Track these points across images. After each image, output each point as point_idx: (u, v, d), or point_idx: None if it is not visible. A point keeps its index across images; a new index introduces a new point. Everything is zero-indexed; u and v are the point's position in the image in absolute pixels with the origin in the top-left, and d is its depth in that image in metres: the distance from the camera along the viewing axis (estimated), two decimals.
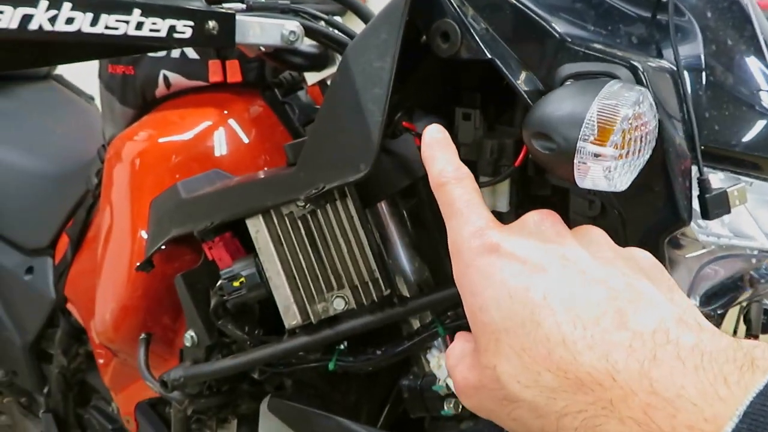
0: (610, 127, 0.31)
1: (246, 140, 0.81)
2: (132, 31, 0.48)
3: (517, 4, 0.47)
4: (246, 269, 0.61)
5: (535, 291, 0.30)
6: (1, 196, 1.26)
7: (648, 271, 0.32)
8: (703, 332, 0.27)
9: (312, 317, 0.61)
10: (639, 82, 0.44)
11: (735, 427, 0.23)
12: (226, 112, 0.82)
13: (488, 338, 0.31)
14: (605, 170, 0.32)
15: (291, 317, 0.61)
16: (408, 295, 0.64)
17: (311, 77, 0.75)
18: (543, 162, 0.35)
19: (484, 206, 0.36)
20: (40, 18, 0.42)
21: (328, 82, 0.76)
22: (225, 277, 0.61)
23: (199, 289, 0.67)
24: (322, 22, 0.68)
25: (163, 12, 0.50)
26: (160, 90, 0.88)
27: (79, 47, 0.46)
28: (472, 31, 0.48)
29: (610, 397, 0.26)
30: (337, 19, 0.72)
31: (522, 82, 0.48)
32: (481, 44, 0.48)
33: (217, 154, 0.80)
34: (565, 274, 0.30)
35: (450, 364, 0.35)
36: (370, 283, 0.61)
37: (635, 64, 0.45)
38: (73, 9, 0.44)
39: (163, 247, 0.69)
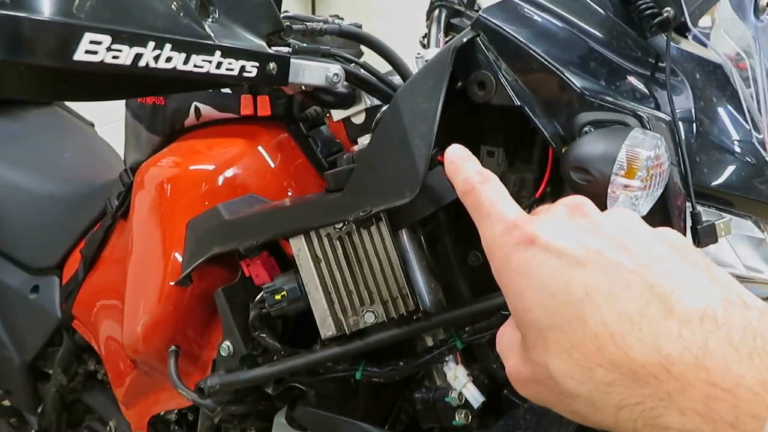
0: (637, 164, 0.40)
1: (273, 168, 0.88)
2: (213, 70, 0.56)
3: (544, 61, 0.56)
4: (287, 284, 0.68)
5: (576, 287, 0.29)
6: (8, 216, 1.29)
7: (684, 251, 0.31)
8: (751, 311, 0.27)
9: (345, 329, 0.67)
10: (645, 128, 0.53)
11: None
12: (254, 142, 0.89)
13: (535, 336, 0.31)
14: (632, 199, 0.40)
15: (327, 329, 0.67)
16: (429, 312, 0.71)
17: (337, 114, 0.83)
18: (579, 190, 0.43)
19: (512, 202, 0.36)
20: (147, 56, 0.49)
21: (352, 119, 0.84)
22: (267, 290, 0.67)
23: (237, 302, 0.73)
24: (357, 66, 0.77)
25: (237, 54, 0.58)
26: (190, 120, 0.95)
27: (171, 82, 0.53)
28: (504, 82, 0.57)
29: (668, 389, 0.26)
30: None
31: (545, 126, 0.57)
32: (512, 94, 0.57)
33: (246, 180, 0.86)
34: (604, 266, 0.30)
35: (501, 351, 0.36)
36: (399, 299, 0.68)
37: (641, 114, 0.54)
38: (172, 50, 0.51)
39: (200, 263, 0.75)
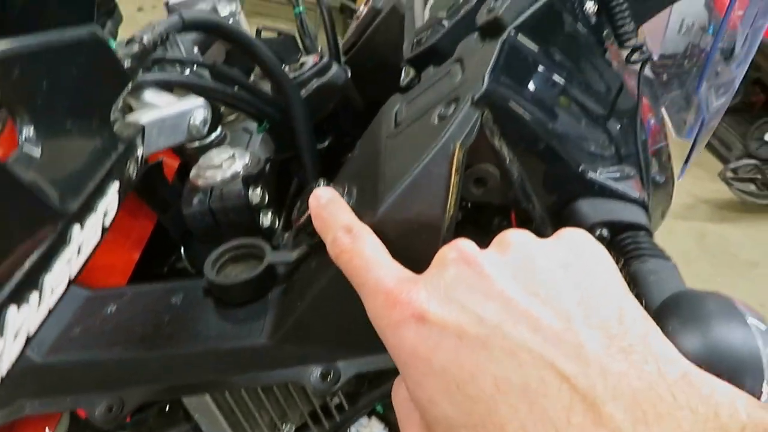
0: None
1: None
2: (75, 269, 0.27)
3: (548, 140, 0.41)
4: None
5: (484, 379, 0.24)
6: None
7: (591, 271, 0.27)
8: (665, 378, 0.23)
9: None
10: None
11: None
12: None
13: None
14: None
15: None
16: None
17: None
18: None
19: (389, 260, 0.30)
20: None
21: None
22: None
23: None
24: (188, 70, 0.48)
25: (95, 199, 0.29)
26: None
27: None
28: (512, 178, 0.41)
29: None
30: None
31: (535, 212, 0.44)
32: (519, 192, 0.41)
33: None
34: (510, 350, 0.24)
35: (398, 411, 0.29)
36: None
37: (645, 202, 0.45)
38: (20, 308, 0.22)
39: None
